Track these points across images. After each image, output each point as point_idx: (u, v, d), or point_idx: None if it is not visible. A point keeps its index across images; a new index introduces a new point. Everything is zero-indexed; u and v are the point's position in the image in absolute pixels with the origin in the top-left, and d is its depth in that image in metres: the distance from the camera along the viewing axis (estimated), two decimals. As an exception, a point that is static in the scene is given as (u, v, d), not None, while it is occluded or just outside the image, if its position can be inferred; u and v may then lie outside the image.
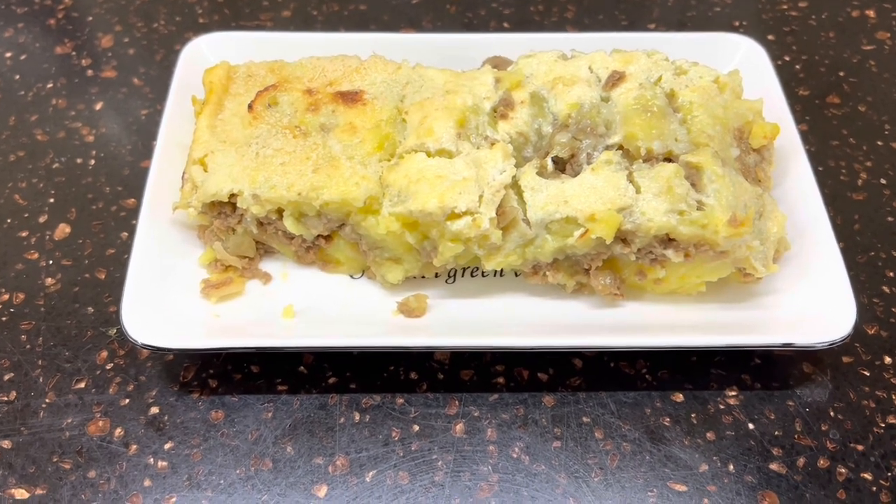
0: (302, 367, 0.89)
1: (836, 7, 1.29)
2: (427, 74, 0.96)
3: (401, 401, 0.87)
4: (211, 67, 0.96)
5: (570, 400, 0.87)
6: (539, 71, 0.95)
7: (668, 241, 0.84)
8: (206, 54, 1.04)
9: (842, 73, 1.19)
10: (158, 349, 0.82)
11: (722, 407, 0.87)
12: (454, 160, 0.86)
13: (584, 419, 0.86)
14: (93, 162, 1.07)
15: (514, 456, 0.83)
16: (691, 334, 0.84)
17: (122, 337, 0.91)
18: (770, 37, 1.23)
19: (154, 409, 0.86)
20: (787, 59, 1.21)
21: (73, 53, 1.19)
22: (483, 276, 0.93)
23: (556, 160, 0.88)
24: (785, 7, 1.30)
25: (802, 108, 1.14)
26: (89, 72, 1.17)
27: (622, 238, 0.84)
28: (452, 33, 1.18)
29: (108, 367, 0.89)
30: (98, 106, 1.13)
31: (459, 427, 0.85)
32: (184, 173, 0.91)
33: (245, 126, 0.91)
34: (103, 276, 0.96)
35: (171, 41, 1.21)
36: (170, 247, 0.91)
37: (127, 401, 0.87)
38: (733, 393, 0.88)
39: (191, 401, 0.87)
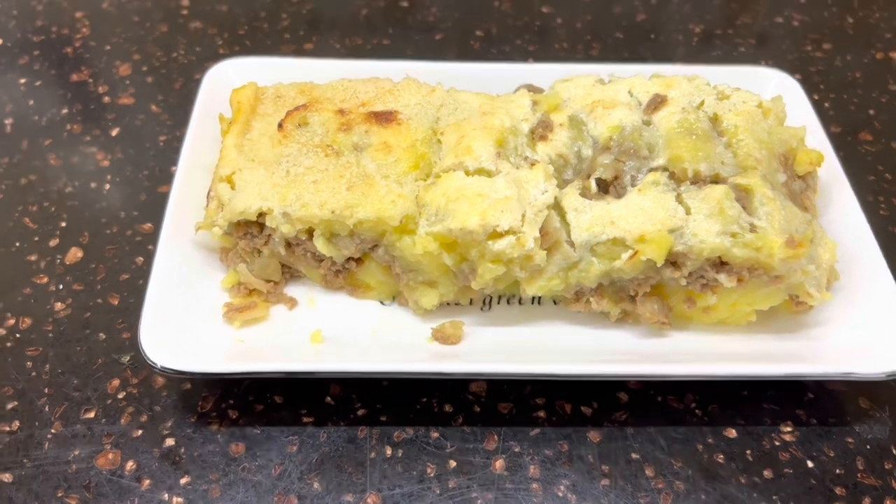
0: (329, 398, 0.83)
1: (860, 49, 1.29)
2: (461, 97, 0.93)
3: (436, 434, 0.81)
4: (238, 87, 0.93)
5: (618, 435, 0.82)
6: (577, 95, 0.92)
7: (720, 264, 0.80)
8: (231, 78, 1.01)
9: (872, 112, 1.18)
10: (178, 373, 0.76)
11: (778, 443, 0.81)
12: (494, 179, 0.82)
13: (633, 455, 0.80)
14: (108, 187, 1.02)
15: (560, 494, 0.77)
16: (747, 364, 0.80)
17: (136, 365, 0.85)
18: (797, 76, 1.22)
19: (169, 441, 0.80)
20: (815, 97, 1.20)
21: (90, 80, 1.16)
22: (520, 303, 0.88)
23: (599, 182, 0.85)
24: (809, 48, 1.29)
25: (836, 145, 1.12)
26: (106, 98, 1.14)
27: (672, 261, 0.80)
28: (483, 63, 1.15)
29: (120, 396, 0.83)
30: (114, 132, 1.09)
31: (499, 463, 0.79)
32: (209, 192, 0.87)
33: (274, 145, 0.87)
34: (116, 302, 0.91)
35: (191, 70, 1.18)
36: (191, 269, 0.86)
37: (140, 432, 0.80)
38: (788, 429, 0.83)
39: (209, 433, 0.80)
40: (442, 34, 1.28)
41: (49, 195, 1.01)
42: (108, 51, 1.21)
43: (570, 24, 1.32)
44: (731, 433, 0.82)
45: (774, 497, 0.78)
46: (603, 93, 0.92)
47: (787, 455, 0.81)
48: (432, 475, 0.78)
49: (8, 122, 1.10)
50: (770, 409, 0.84)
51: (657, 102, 0.89)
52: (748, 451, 0.81)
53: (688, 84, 0.92)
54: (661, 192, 0.82)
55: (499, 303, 0.89)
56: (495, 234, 0.79)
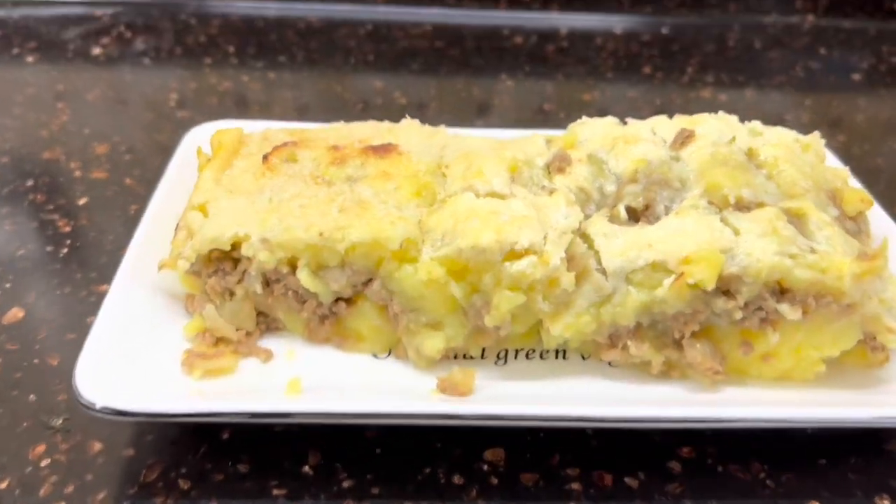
0: (307, 468, 0.66)
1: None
2: (467, 140, 0.84)
3: (442, 509, 0.64)
4: (222, 130, 0.84)
5: (673, 509, 0.64)
6: (594, 135, 0.83)
7: (780, 293, 0.68)
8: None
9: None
10: (118, 413, 0.60)
11: (877, 519, 0.64)
12: (509, 201, 0.71)
13: (696, 533, 0.63)
14: (65, 251, 0.90)
15: (608, 581, 0.59)
16: (829, 408, 0.65)
17: (69, 429, 0.68)
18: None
19: (99, 517, 0.62)
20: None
21: (63, 157, 1.07)
22: (542, 357, 0.74)
23: (628, 210, 0.74)
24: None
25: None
26: (77, 173, 1.04)
27: (724, 290, 0.68)
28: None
29: (44, 463, 0.66)
30: (81, 201, 0.99)
31: (526, 543, 0.61)
32: (178, 224, 0.75)
33: (257, 178, 0.77)
34: (56, 363, 0.75)
35: (173, 147, 1.10)
36: (149, 312, 0.72)
37: (62, 505, 0.62)
38: (886, 502, 0.66)
39: (152, 506, 0.63)
40: None
41: (-3, 259, 0.88)
42: (86, 134, 1.13)
43: None
44: (816, 507, 0.65)
45: (886, 583, 0.60)
46: (623, 131, 0.83)
47: (891, 533, 0.63)
48: (440, 558, 0.60)
49: (-35, 194, 1.00)
50: (857, 479, 0.67)
51: (684, 137, 0.81)
52: (841, 529, 0.64)
53: (715, 121, 0.84)
54: (703, 214, 0.71)
55: (516, 357, 0.74)
56: (513, 255, 0.67)
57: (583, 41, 1.50)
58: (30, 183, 1.01)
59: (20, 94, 1.22)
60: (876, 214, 0.84)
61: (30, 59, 1.33)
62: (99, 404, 0.60)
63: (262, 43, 1.43)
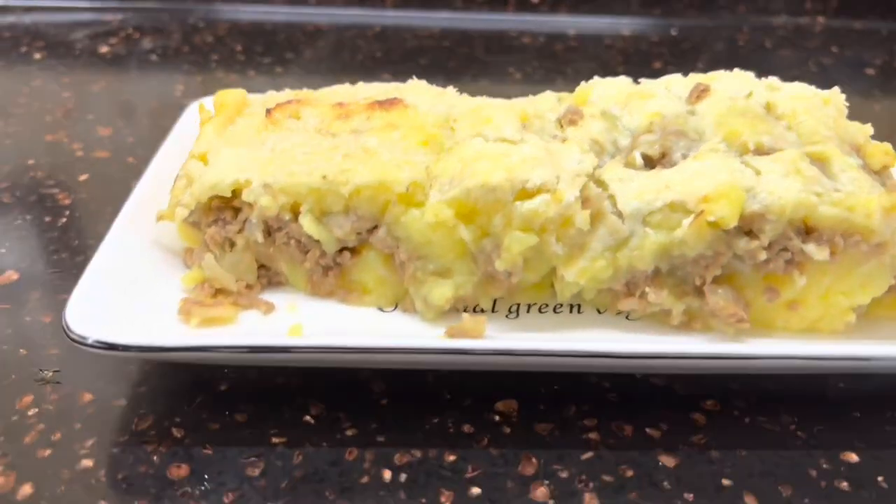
0: (308, 417, 0.63)
1: None
2: (477, 100, 0.82)
3: (452, 457, 0.60)
4: (226, 91, 0.82)
5: (700, 460, 0.60)
6: (607, 93, 0.81)
7: (806, 233, 0.64)
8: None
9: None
10: (109, 346, 0.57)
11: (919, 470, 0.60)
12: (520, 145, 0.69)
13: (725, 482, 0.58)
14: (64, 220, 0.88)
15: (630, 527, 0.55)
16: (864, 345, 0.61)
17: (59, 381, 0.65)
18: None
19: (86, 463, 0.58)
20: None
21: (66, 140, 1.06)
22: (556, 312, 0.70)
23: (644, 157, 0.71)
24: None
25: None
26: (79, 153, 1.03)
27: (747, 230, 0.64)
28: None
29: (31, 412, 0.62)
30: (82, 177, 0.97)
31: (542, 491, 0.57)
32: (177, 175, 0.73)
33: (259, 132, 0.75)
34: (48, 320, 0.72)
35: (178, 131, 1.09)
36: (145, 262, 0.69)
37: (48, 451, 0.59)
38: (929, 453, 0.61)
39: (142, 453, 0.59)
40: None
41: (-7, 227, 0.86)
42: (90, 119, 1.12)
43: None
44: (852, 457, 0.61)
45: (934, 532, 0.55)
46: (637, 89, 0.81)
47: (934, 483, 0.59)
48: (448, 503, 0.56)
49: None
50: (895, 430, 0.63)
51: (699, 91, 0.78)
52: (880, 478, 0.59)
53: (731, 77, 0.81)
54: (723, 157, 0.68)
55: (528, 311, 0.70)
56: (524, 194, 0.64)
57: (592, 41, 1.49)
58: (31, 161, 1.00)
59: (26, 85, 1.21)
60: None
61: (37, 55, 1.33)
62: (91, 338, 0.57)
63: (269, 42, 1.42)
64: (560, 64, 1.38)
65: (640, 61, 1.40)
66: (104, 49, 1.36)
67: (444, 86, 0.82)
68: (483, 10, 1.56)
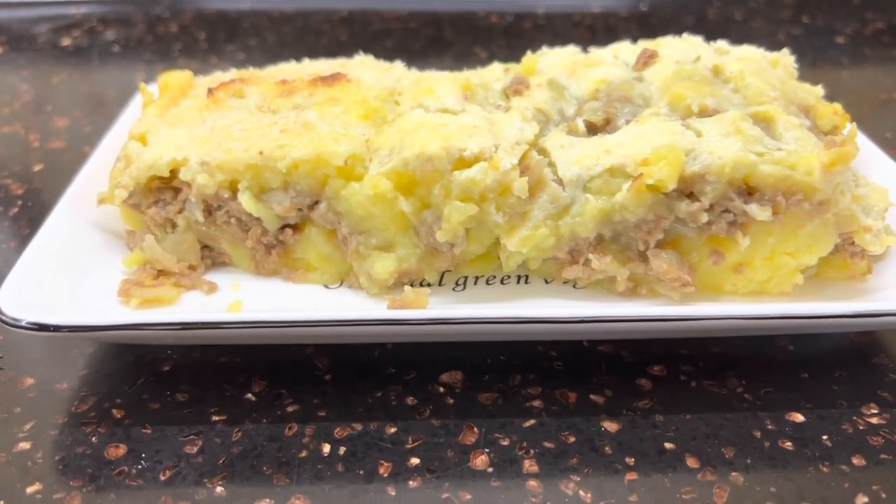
0: (250, 395, 0.62)
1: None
2: (424, 73, 0.81)
3: (392, 429, 0.59)
4: (170, 73, 0.82)
5: (642, 424, 0.60)
6: (554, 63, 0.80)
7: (748, 193, 0.64)
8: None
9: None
10: (42, 327, 0.56)
11: (863, 427, 0.59)
12: (460, 116, 0.68)
13: (667, 445, 0.58)
14: (15, 210, 0.87)
15: (569, 492, 0.54)
16: (808, 304, 0.61)
17: (1, 367, 0.65)
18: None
19: (24, 445, 0.58)
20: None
21: (22, 131, 1.05)
22: (503, 283, 0.70)
23: (588, 125, 0.71)
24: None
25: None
26: (35, 143, 1.02)
27: (688, 193, 0.64)
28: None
29: (-31, 398, 0.62)
30: (37, 167, 0.96)
31: (481, 459, 0.57)
32: (117, 157, 0.72)
33: (200, 111, 0.74)
34: (-6, 308, 0.72)
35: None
36: (87, 244, 0.69)
37: (-15, 435, 0.58)
38: (874, 411, 0.61)
39: (81, 434, 0.58)
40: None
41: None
42: (48, 111, 1.11)
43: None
44: (797, 417, 0.60)
45: (875, 487, 0.54)
46: (584, 57, 0.80)
47: (879, 439, 0.58)
48: (386, 474, 0.55)
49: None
50: (842, 390, 0.63)
51: (646, 57, 0.78)
52: (824, 437, 0.59)
53: (680, 42, 0.81)
54: (664, 120, 0.68)
55: (476, 283, 0.70)
56: (462, 163, 0.63)
57: (560, 19, 1.48)
58: None
59: (-15, 80, 1.21)
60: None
61: (-2, 50, 1.32)
62: (24, 320, 0.56)
63: (233, 29, 1.42)
64: (527, 42, 1.37)
65: (607, 37, 1.39)
66: (66, 42, 1.35)
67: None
68: (451, -9, 1.55)
